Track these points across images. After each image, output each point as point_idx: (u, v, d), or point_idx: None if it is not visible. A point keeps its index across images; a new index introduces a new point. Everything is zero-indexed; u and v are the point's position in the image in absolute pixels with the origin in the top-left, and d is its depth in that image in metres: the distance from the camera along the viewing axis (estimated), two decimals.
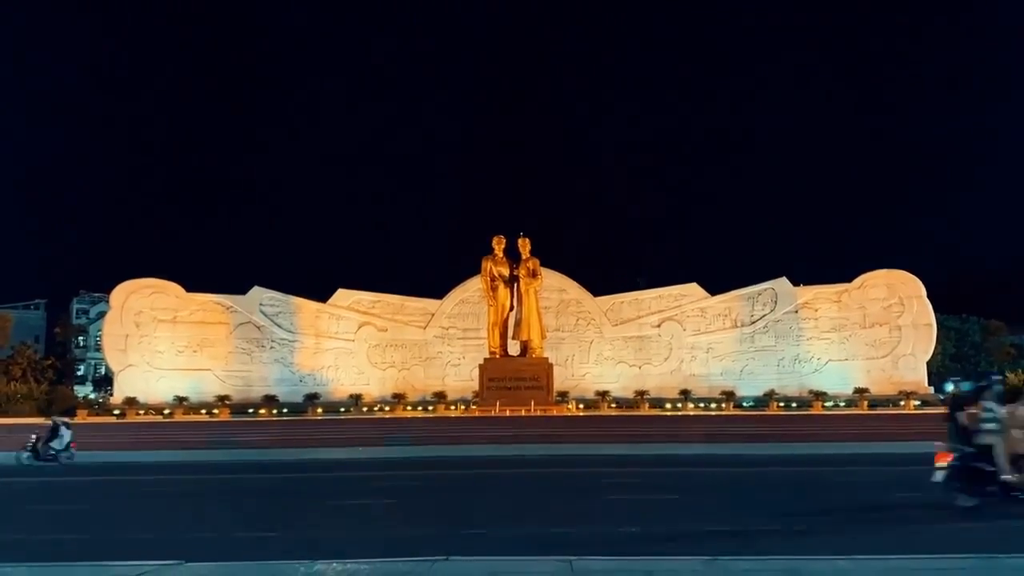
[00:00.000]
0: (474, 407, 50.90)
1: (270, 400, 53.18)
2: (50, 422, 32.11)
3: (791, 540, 12.36)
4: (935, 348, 55.15)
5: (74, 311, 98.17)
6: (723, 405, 52.12)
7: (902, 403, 50.29)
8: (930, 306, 53.61)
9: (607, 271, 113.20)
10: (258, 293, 56.94)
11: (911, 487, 20.06)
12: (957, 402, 16.34)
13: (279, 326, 56.68)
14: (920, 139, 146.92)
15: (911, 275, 54.07)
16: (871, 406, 50.20)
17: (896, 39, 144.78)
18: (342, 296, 58.79)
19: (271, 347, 56.44)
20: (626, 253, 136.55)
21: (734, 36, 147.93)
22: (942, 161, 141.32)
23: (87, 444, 34.69)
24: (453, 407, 53.67)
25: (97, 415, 51.75)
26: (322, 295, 59.00)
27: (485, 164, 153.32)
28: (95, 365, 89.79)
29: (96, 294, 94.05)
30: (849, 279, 55.62)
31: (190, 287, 55.84)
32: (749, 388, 54.51)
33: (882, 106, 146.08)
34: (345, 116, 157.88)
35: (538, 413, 46.55)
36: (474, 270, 54.46)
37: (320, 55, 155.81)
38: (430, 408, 53.29)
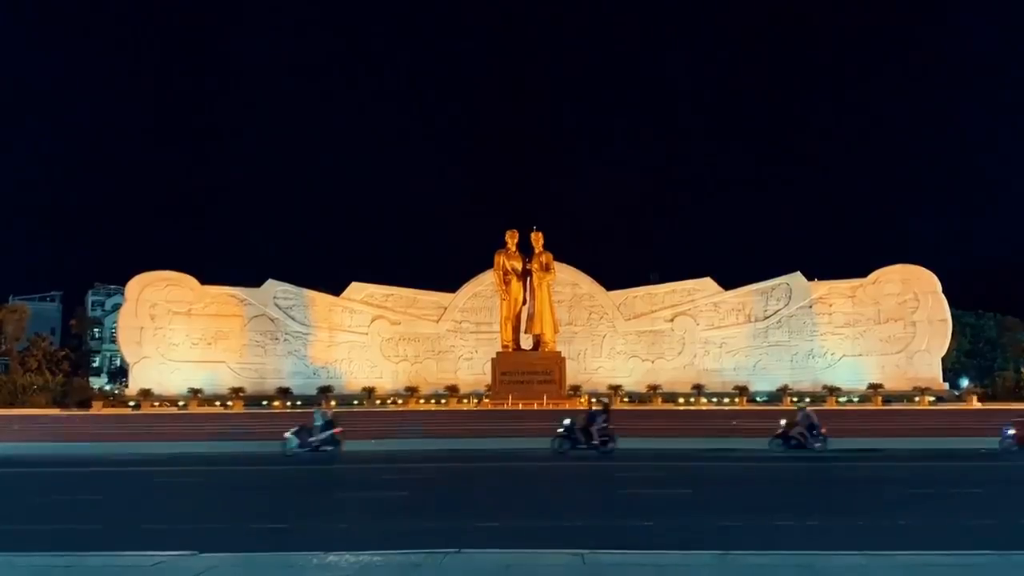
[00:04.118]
0: (487, 400, 50.98)
1: (284, 392, 53.39)
2: None
3: (804, 535, 12.32)
4: (950, 344, 54.81)
5: (89, 303, 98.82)
6: (736, 400, 52.01)
7: (916, 399, 50.04)
8: (945, 302, 53.25)
9: (620, 265, 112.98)
10: (272, 286, 57.15)
11: (924, 483, 20.00)
12: None
13: (293, 319, 56.87)
14: (936, 132, 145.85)
15: (926, 270, 53.72)
16: (885, 402, 49.97)
17: (913, 32, 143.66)
18: (355, 289, 58.92)
19: (285, 340, 56.66)
20: (639, 247, 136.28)
21: (744, 30, 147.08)
22: (958, 155, 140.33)
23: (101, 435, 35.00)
24: (466, 400, 53.75)
25: (112, 406, 52.16)
26: (336, 288, 59.19)
27: (498, 157, 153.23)
28: (110, 357, 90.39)
29: (111, 286, 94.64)
30: (864, 274, 55.31)
31: (205, 280, 56.11)
32: (762, 383, 54.35)
33: (899, 98, 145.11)
34: (358, 109, 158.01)
35: (550, 407, 46.55)
36: (487, 264, 54.50)
37: (329, 47, 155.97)
38: (443, 401, 53.36)
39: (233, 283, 57.13)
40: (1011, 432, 29.99)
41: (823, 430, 30.27)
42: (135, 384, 53.18)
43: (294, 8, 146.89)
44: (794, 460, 26.94)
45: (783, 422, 30.77)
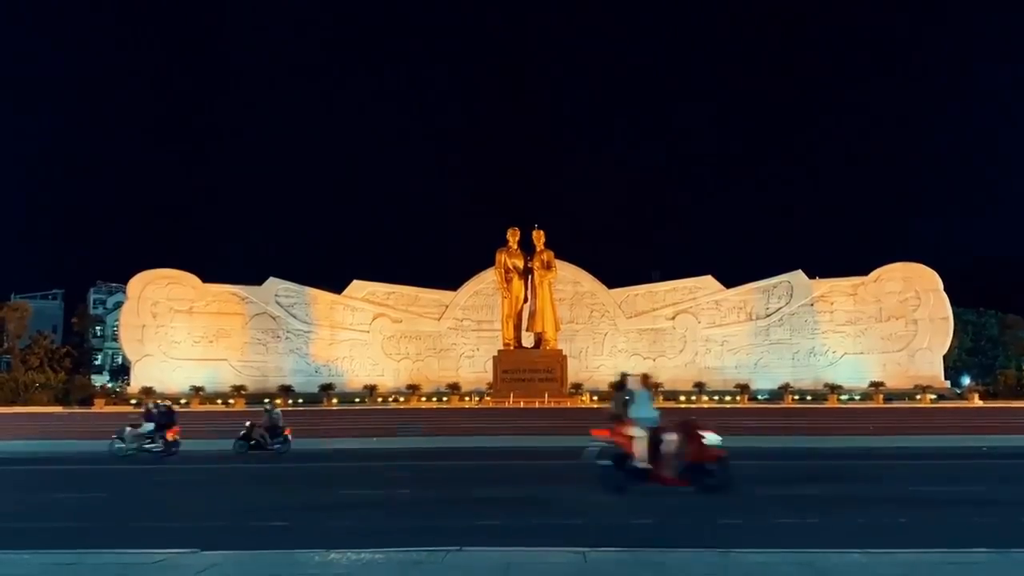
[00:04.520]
0: (488, 398, 51.03)
1: (285, 390, 53.45)
2: None
3: (805, 533, 12.32)
4: (952, 342, 54.81)
5: (91, 301, 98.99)
6: (737, 398, 52.05)
7: (918, 397, 50.06)
8: (947, 299, 53.24)
9: (621, 263, 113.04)
10: (273, 284, 57.20)
11: (926, 481, 20.00)
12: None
13: (294, 317, 56.93)
14: (937, 130, 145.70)
15: (928, 268, 53.72)
16: (887, 400, 50.00)
17: (914, 31, 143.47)
18: (357, 287, 58.96)
19: (286, 338, 56.73)
20: (640, 245, 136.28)
21: (745, 29, 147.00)
22: (959, 152, 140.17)
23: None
24: (467, 398, 53.82)
25: (114, 404, 52.23)
26: (337, 286, 59.25)
27: (499, 155, 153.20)
28: (112, 354, 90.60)
29: (113, 284, 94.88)
30: (865, 272, 55.31)
31: (206, 278, 56.19)
32: (764, 381, 54.39)
33: (900, 96, 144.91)
34: (359, 108, 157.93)
35: (552, 405, 46.59)
36: (488, 262, 54.54)
37: (329, 47, 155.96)
38: (444, 399, 53.43)
39: (234, 281, 57.24)
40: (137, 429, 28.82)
41: (287, 431, 30.13)
42: (137, 382, 53.30)
43: (295, 7, 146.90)
44: (241, 460, 27.49)
45: (248, 423, 30.61)
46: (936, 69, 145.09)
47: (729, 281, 58.20)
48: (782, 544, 11.04)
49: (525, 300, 52.07)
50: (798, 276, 56.24)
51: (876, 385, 51.48)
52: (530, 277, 51.81)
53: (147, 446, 28.47)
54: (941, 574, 9.47)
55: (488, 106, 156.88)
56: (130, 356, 54.66)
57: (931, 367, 52.56)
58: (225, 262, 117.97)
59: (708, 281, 58.24)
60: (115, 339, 73.51)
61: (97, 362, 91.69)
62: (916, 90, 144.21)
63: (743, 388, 52.99)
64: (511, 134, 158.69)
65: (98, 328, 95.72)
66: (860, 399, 51.29)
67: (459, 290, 59.49)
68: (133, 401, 51.41)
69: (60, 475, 24.24)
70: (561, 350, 51.86)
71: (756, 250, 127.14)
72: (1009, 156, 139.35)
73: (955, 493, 17.62)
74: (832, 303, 55.46)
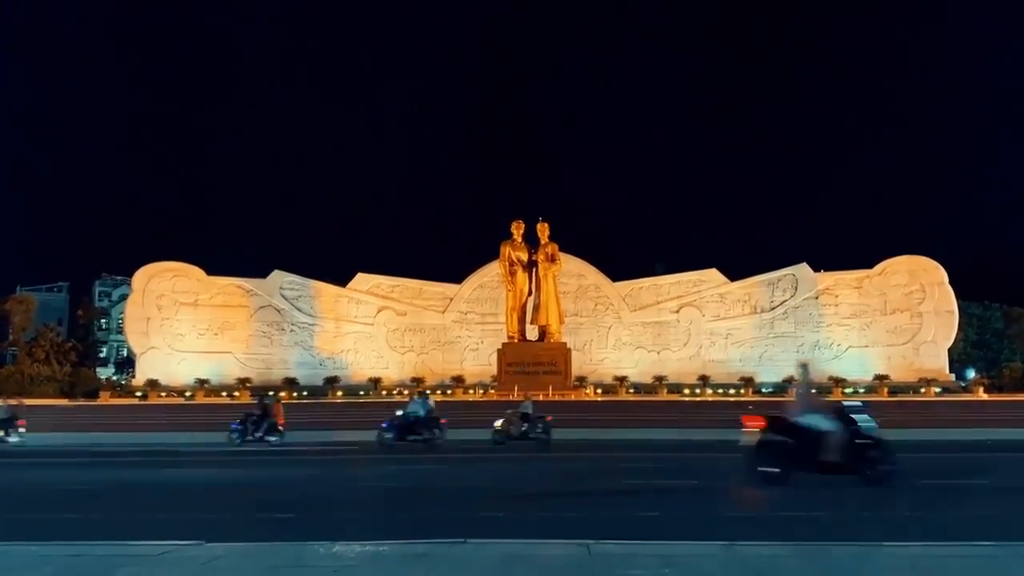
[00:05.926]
0: (492, 391, 51.05)
1: (290, 383, 53.52)
2: None
3: (810, 526, 12.31)
4: (957, 335, 54.70)
5: (96, 294, 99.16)
6: (742, 391, 51.99)
7: (923, 390, 49.99)
8: (952, 293, 53.14)
9: (626, 256, 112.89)
10: (278, 277, 57.25)
11: (930, 474, 19.98)
12: None
13: (299, 310, 56.99)
14: (941, 123, 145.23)
15: (933, 261, 53.60)
16: (891, 393, 49.92)
17: (917, 28, 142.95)
18: (361, 280, 59.00)
19: (291, 330, 56.79)
20: (645, 238, 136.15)
21: (748, 25, 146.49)
22: (964, 145, 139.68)
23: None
24: (471, 391, 53.82)
25: (119, 397, 52.38)
26: (342, 279, 59.30)
27: (504, 148, 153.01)
28: (117, 347, 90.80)
29: (118, 277, 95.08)
30: (870, 265, 55.20)
31: (211, 270, 56.23)
32: (768, 374, 54.32)
33: (905, 89, 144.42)
34: (362, 98, 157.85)
35: (556, 398, 46.60)
36: (493, 255, 54.55)
37: (333, 41, 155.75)
38: (448, 392, 53.44)
39: (239, 274, 57.30)
40: None
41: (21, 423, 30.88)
42: (142, 374, 53.43)
43: (300, 5, 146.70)
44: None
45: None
46: (940, 63, 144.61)
47: (733, 274, 58.17)
48: (787, 537, 11.04)
49: (529, 293, 52.09)
50: (803, 269, 56.14)
51: (881, 378, 51.41)
52: (534, 270, 51.82)
53: None
54: (945, 567, 9.46)
55: (492, 99, 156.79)
56: (135, 349, 54.77)
57: (936, 360, 52.50)
58: (230, 255, 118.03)
59: (712, 274, 58.16)
60: (120, 332, 73.75)
61: (102, 355, 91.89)
62: (920, 86, 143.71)
63: (747, 381, 52.95)
64: (515, 127, 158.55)
65: (103, 321, 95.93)
66: (865, 392, 51.21)
67: (463, 283, 59.51)
68: (138, 394, 51.60)
69: None
70: (565, 343, 51.89)
71: (760, 243, 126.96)
72: (1015, 148, 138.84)
73: (959, 486, 17.60)
74: (837, 296, 55.38)
